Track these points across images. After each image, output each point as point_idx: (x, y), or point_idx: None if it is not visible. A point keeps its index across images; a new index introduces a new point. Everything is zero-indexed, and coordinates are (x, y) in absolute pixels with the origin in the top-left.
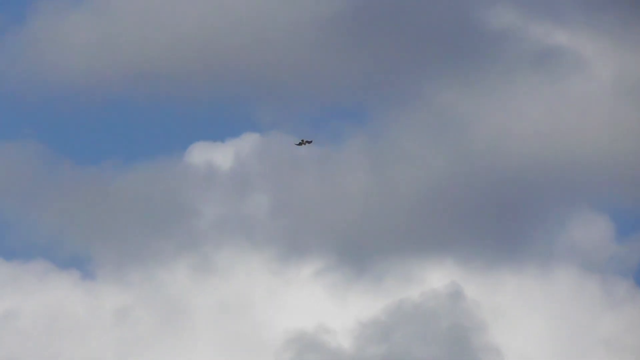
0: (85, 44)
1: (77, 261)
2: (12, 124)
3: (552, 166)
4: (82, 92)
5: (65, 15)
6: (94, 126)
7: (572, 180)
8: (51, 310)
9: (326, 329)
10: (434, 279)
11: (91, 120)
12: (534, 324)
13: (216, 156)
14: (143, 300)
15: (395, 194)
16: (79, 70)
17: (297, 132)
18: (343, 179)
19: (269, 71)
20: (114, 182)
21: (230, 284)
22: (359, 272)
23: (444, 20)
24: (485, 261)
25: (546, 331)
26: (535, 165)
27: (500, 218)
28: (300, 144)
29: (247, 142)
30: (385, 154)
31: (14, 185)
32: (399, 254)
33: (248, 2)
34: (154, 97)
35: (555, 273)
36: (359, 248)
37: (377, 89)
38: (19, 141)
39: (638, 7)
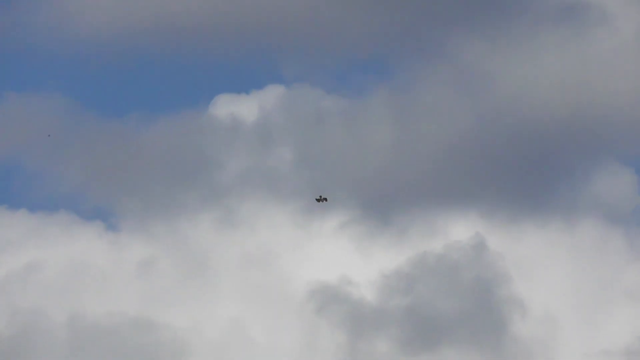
0: None
1: (101, 213)
2: (38, 77)
3: (576, 120)
4: (108, 45)
5: None
6: (119, 79)
7: (596, 133)
8: (75, 261)
9: (350, 281)
10: (457, 231)
11: (116, 74)
12: (558, 276)
13: (240, 108)
14: (167, 253)
15: (419, 147)
16: (105, 23)
17: (322, 84)
18: (367, 132)
19: (294, 23)
20: (139, 135)
21: (254, 237)
22: (383, 225)
23: None
24: (510, 214)
25: (570, 283)
26: (559, 118)
27: (525, 171)
28: (318, 199)
29: (272, 94)
30: (410, 107)
31: (39, 138)
32: (423, 206)
33: None
34: (178, 50)
35: (580, 225)
36: (383, 200)
37: (402, 43)
38: (44, 94)
39: None
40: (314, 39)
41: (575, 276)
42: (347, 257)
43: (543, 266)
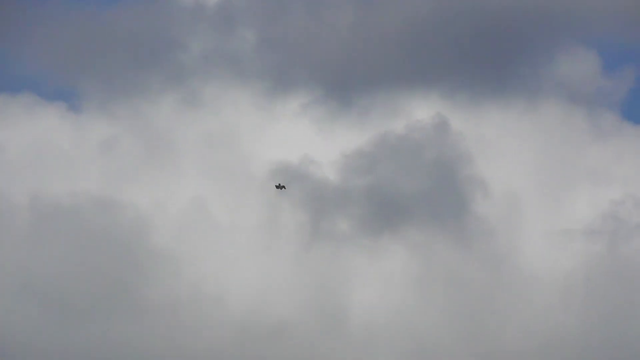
0: None
1: (63, 94)
2: None
3: (539, 1)
4: None
5: None
6: None
7: (559, 14)
8: (37, 142)
9: (312, 160)
10: (419, 111)
11: None
12: (520, 156)
13: None
14: (129, 133)
15: (381, 28)
16: None
17: None
18: (330, 14)
19: None
20: (101, 16)
21: (217, 117)
22: (345, 105)
23: None
24: (472, 94)
25: (532, 163)
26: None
27: (487, 52)
28: (277, 187)
29: None
30: None
31: (0, 19)
32: (385, 87)
33: None
34: None
35: (542, 106)
36: (345, 82)
37: None
38: None
39: None
40: None
41: (537, 156)
42: (309, 138)
43: (505, 146)
